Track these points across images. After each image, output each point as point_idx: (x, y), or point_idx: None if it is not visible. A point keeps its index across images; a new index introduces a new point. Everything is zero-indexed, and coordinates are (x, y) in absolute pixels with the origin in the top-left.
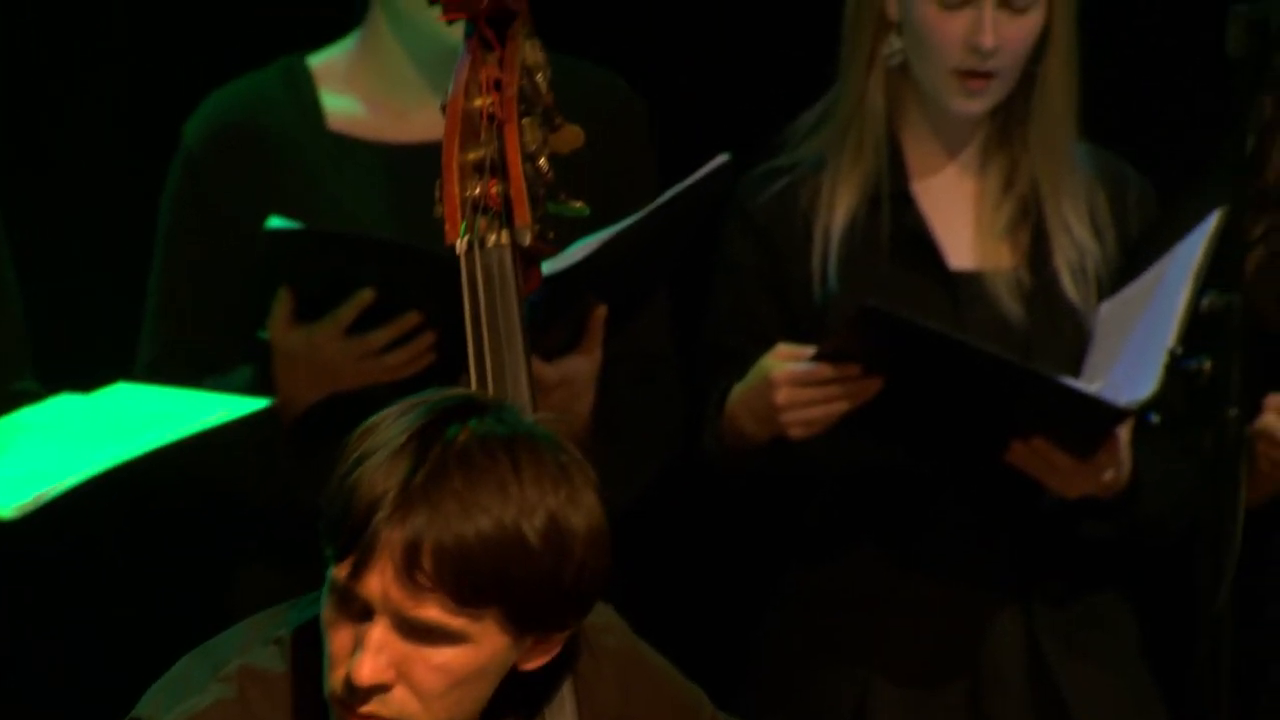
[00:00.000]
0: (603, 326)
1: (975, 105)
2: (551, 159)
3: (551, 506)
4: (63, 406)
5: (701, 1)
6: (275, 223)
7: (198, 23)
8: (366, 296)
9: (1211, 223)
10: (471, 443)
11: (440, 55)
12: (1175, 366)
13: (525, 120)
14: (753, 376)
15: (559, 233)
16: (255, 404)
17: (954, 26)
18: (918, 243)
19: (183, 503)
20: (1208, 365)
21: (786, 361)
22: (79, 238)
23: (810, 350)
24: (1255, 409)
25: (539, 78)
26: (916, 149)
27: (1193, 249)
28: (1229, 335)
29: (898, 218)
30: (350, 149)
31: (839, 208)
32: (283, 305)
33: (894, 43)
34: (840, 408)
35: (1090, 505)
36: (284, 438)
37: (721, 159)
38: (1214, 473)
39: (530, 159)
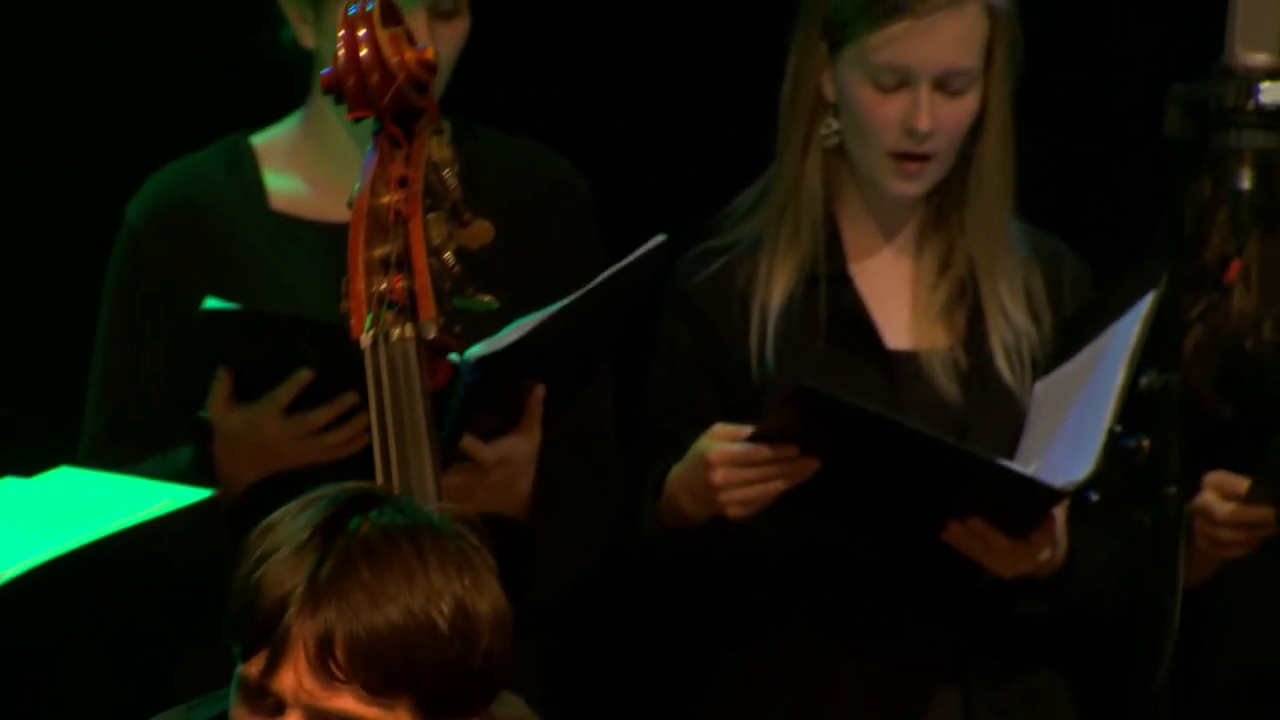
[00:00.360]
0: (541, 406)
1: (911, 187)
2: (460, 253)
3: (458, 592)
4: (4, 492)
5: (643, 82)
6: (212, 303)
7: (142, 102)
8: (305, 376)
9: (1147, 303)
10: (374, 534)
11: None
12: (1114, 445)
13: (431, 216)
14: (690, 457)
15: (467, 327)
16: (197, 494)
17: (890, 109)
18: (855, 323)
19: (123, 583)
20: (1146, 444)
21: (723, 442)
22: (22, 319)
23: (747, 430)
24: (1194, 488)
25: (446, 173)
26: (853, 230)
27: (1129, 329)
28: (1167, 414)
29: (835, 298)
30: (292, 228)
31: (776, 288)
32: (222, 385)
33: (831, 124)
34: (777, 487)
35: (1027, 584)
36: (224, 517)
37: (658, 239)
38: (1152, 552)
39: (436, 254)
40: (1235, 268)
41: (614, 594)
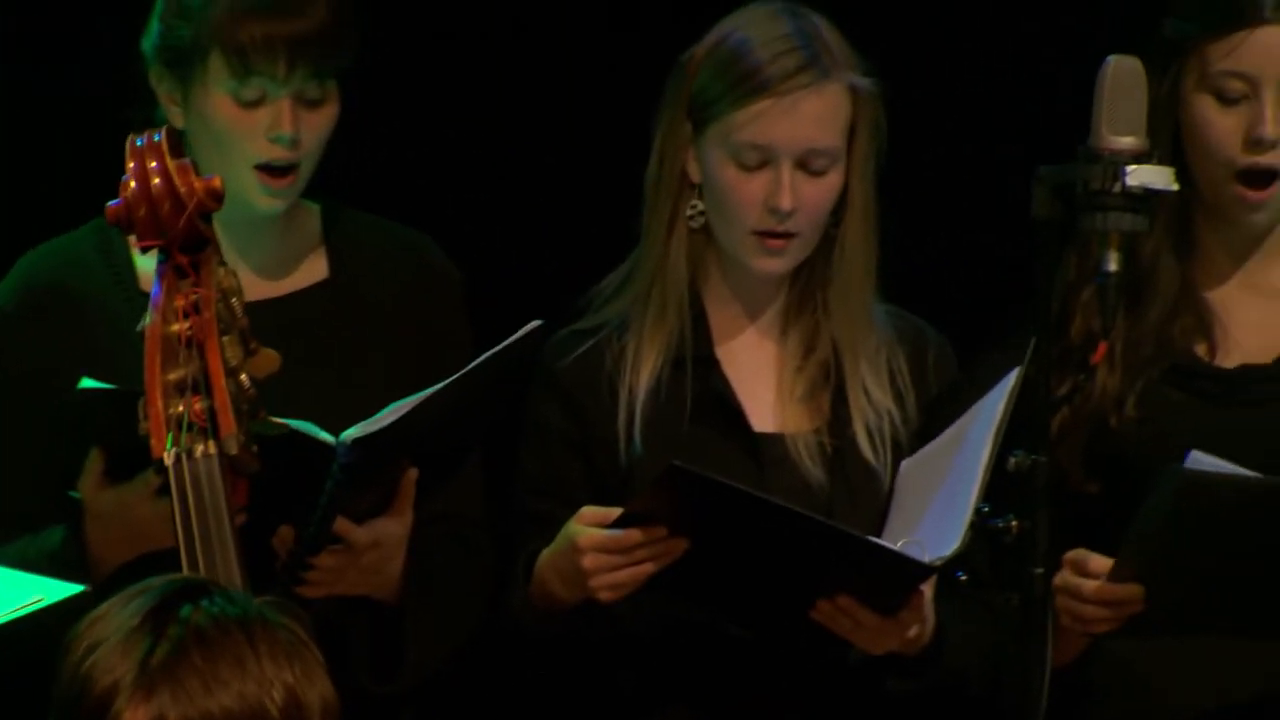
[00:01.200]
0: (414, 489)
1: (775, 265)
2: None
3: (289, 681)
4: None
5: (511, 166)
6: (86, 383)
7: (12, 184)
8: None
9: (1011, 381)
10: (206, 621)
11: (249, 218)
12: (982, 525)
13: (225, 338)
14: (560, 541)
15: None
16: (71, 589)
17: (753, 188)
18: (721, 406)
19: None
20: (1015, 524)
21: (592, 525)
22: None
23: (616, 512)
24: (1060, 566)
25: (234, 301)
26: (719, 311)
27: (993, 407)
28: (1035, 495)
29: (701, 380)
30: None
31: (643, 370)
32: (94, 465)
33: (696, 204)
34: (647, 569)
35: (896, 662)
36: (95, 597)
37: (533, 324)
38: (1021, 631)
39: (233, 375)
40: (1103, 349)
41: (485, 675)
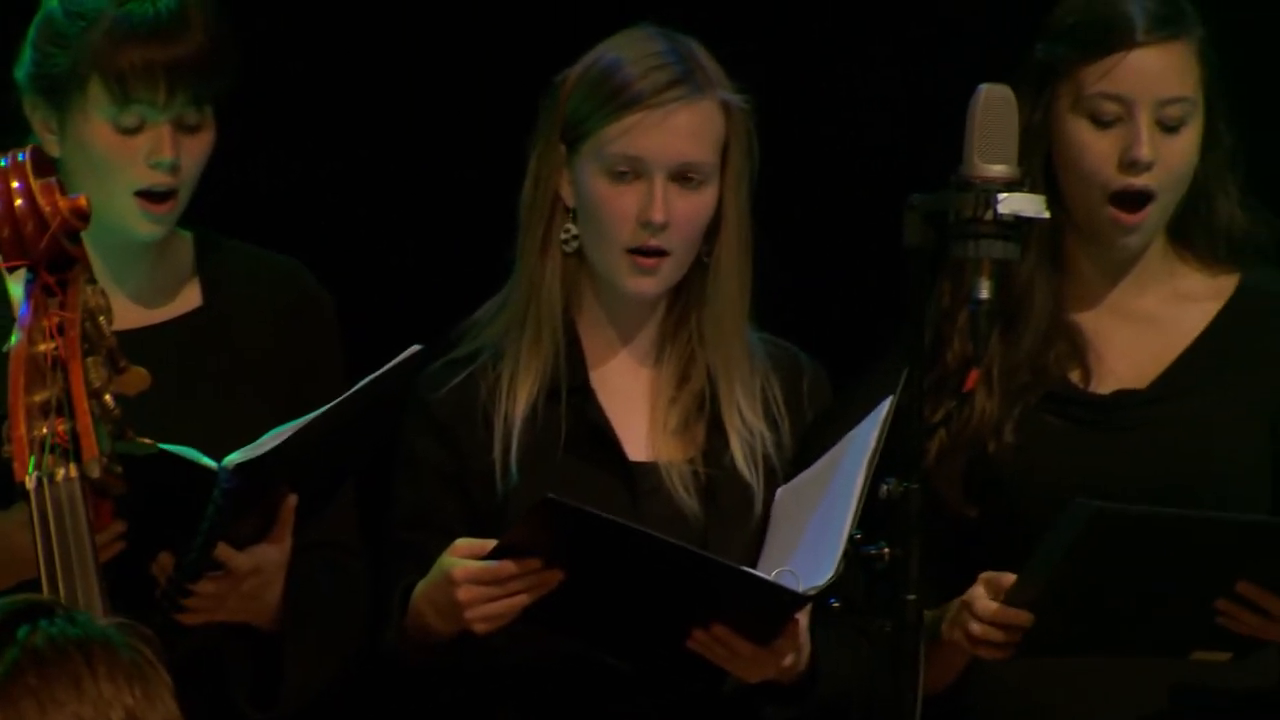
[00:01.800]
0: (293, 515)
1: (648, 285)
2: (118, 398)
3: (128, 704)
4: None
5: (383, 193)
6: None
7: None
8: None
9: (884, 409)
10: (43, 642)
11: (124, 246)
12: (855, 552)
13: (90, 360)
14: (435, 573)
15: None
16: None
17: (626, 202)
18: (596, 434)
19: None
20: (887, 552)
21: (467, 557)
22: None
23: (490, 544)
24: (936, 590)
25: (101, 320)
26: (593, 338)
27: (867, 435)
28: (908, 522)
29: (576, 409)
30: None
31: (518, 398)
32: None
33: (570, 228)
34: (522, 601)
35: (771, 690)
36: None
37: (413, 349)
38: (894, 657)
39: (96, 396)
40: (974, 376)
41: (363, 703)
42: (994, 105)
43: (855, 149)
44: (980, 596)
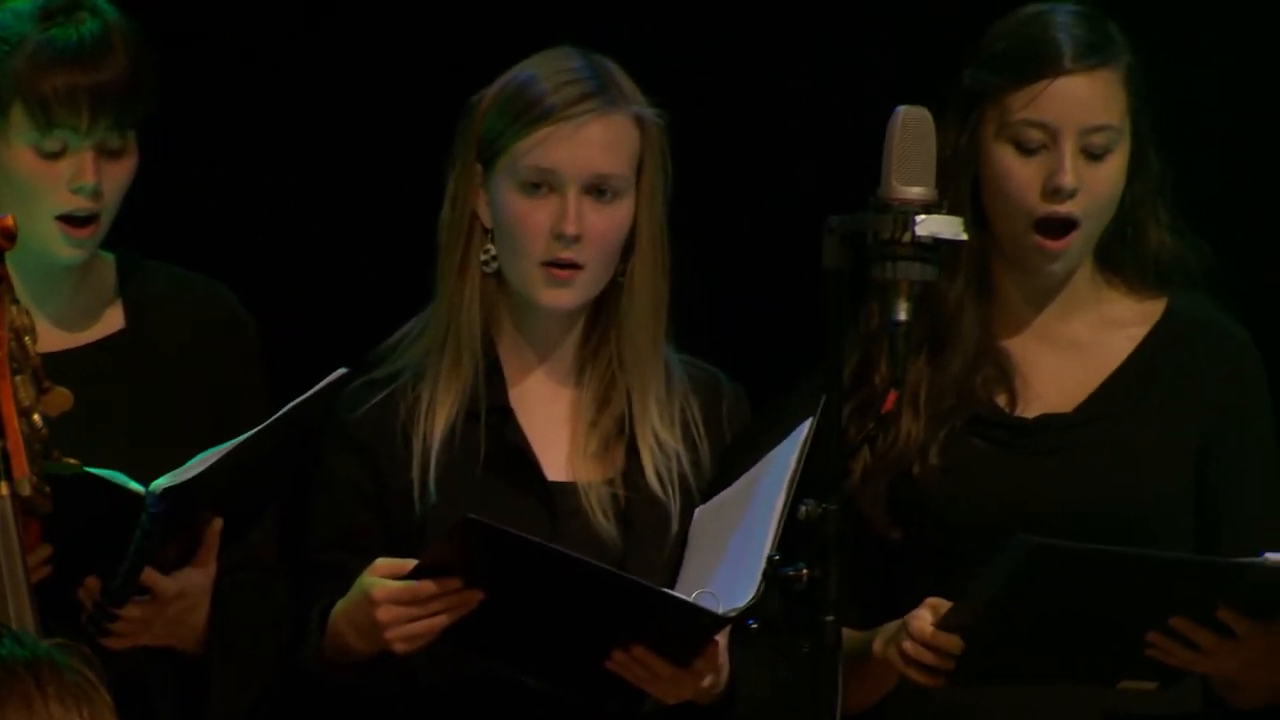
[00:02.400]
0: (218, 539)
1: (563, 297)
2: (46, 419)
3: None
4: None
5: (305, 215)
6: None
7: None
8: None
9: (805, 431)
10: None
11: (46, 269)
12: (774, 573)
13: (18, 379)
14: (354, 592)
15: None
16: None
17: (539, 216)
18: (515, 455)
19: None
20: (805, 573)
21: (387, 577)
22: None
23: (410, 564)
24: (859, 613)
25: (26, 340)
26: (514, 359)
27: (786, 457)
28: (826, 543)
29: (495, 430)
30: None
31: (437, 420)
32: None
33: (488, 249)
34: (442, 621)
35: (691, 711)
36: None
37: (339, 372)
38: (812, 679)
39: (25, 415)
40: (892, 398)
41: None
42: (912, 127)
43: (775, 169)
44: (920, 617)
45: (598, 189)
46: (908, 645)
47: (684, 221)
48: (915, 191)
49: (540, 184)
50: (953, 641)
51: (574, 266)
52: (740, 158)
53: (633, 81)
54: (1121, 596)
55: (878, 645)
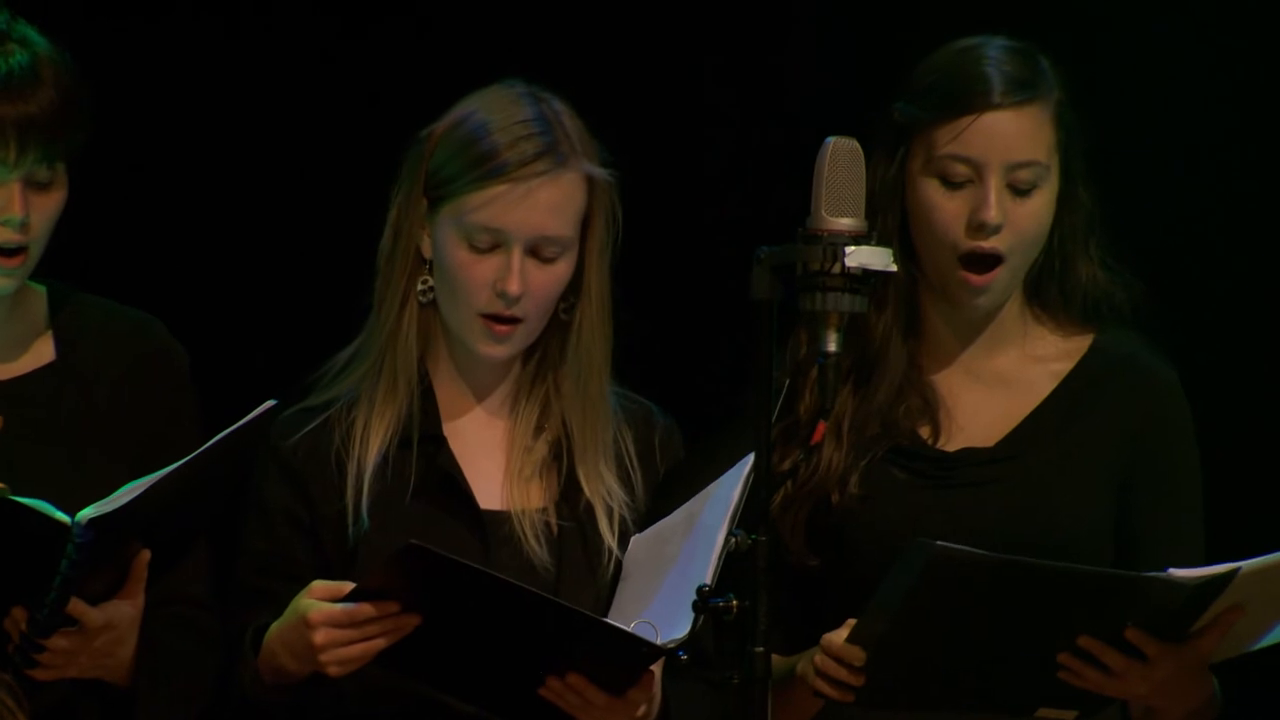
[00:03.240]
0: (146, 571)
1: (500, 350)
2: None
3: None
4: None
5: (237, 246)
6: None
7: None
8: None
9: (747, 464)
10: None
11: None
12: (703, 604)
13: None
14: (290, 614)
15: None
16: None
17: (482, 270)
18: (448, 483)
19: None
20: (734, 603)
21: (324, 600)
22: None
23: (348, 587)
24: (782, 640)
25: None
26: (447, 388)
27: (728, 491)
28: (755, 574)
29: (429, 458)
30: None
31: (371, 446)
32: None
33: (427, 279)
34: (378, 645)
35: None
36: None
37: (268, 404)
38: (740, 710)
39: None
40: (821, 428)
41: None
42: (841, 158)
43: (703, 200)
44: (834, 632)
45: (541, 249)
46: (818, 658)
47: (626, 254)
48: (844, 222)
49: (485, 241)
50: (855, 652)
51: (514, 321)
52: (668, 188)
53: (580, 124)
54: (1027, 611)
55: (799, 666)
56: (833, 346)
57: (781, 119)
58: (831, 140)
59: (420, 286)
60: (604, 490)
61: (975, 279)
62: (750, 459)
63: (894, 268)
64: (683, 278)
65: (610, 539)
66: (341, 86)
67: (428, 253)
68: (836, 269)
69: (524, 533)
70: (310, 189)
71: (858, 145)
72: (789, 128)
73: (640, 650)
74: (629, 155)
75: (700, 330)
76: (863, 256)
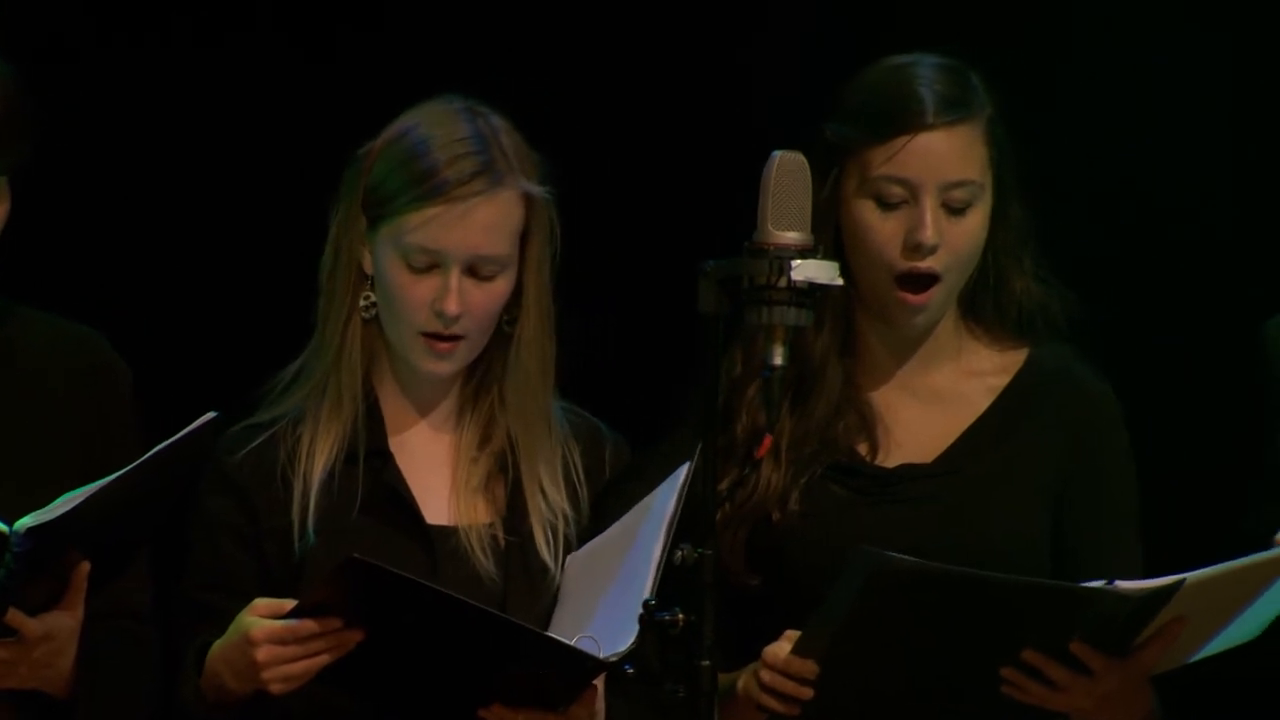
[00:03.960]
0: (85, 582)
1: (442, 367)
2: None
3: None
4: None
5: (180, 261)
6: None
7: None
8: None
9: (682, 476)
10: None
11: None
12: (649, 618)
13: None
14: (232, 632)
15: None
16: None
17: (421, 290)
18: (394, 498)
19: None
20: (680, 617)
21: (266, 617)
22: None
23: (290, 604)
24: (726, 658)
25: None
26: (393, 403)
27: (664, 503)
28: (701, 588)
29: (375, 473)
30: None
31: (317, 462)
32: None
33: (369, 295)
34: (322, 661)
35: None
36: None
37: (208, 416)
38: None
39: None
40: (767, 442)
41: None
42: (787, 172)
43: (651, 215)
44: (776, 646)
45: (479, 268)
46: (764, 674)
47: (559, 270)
48: (791, 236)
49: (423, 261)
50: (807, 665)
51: (455, 339)
52: (614, 202)
53: (518, 139)
54: (971, 624)
55: (741, 682)
56: (779, 360)
57: (735, 132)
58: (778, 154)
59: (363, 302)
60: (544, 504)
61: (912, 299)
62: (685, 469)
63: (840, 281)
64: (627, 291)
65: (545, 554)
66: (283, 101)
67: (369, 268)
68: (783, 283)
69: (471, 547)
70: (252, 203)
71: (804, 159)
72: (743, 140)
73: (584, 664)
74: (570, 165)
75: (647, 346)
76: (809, 270)
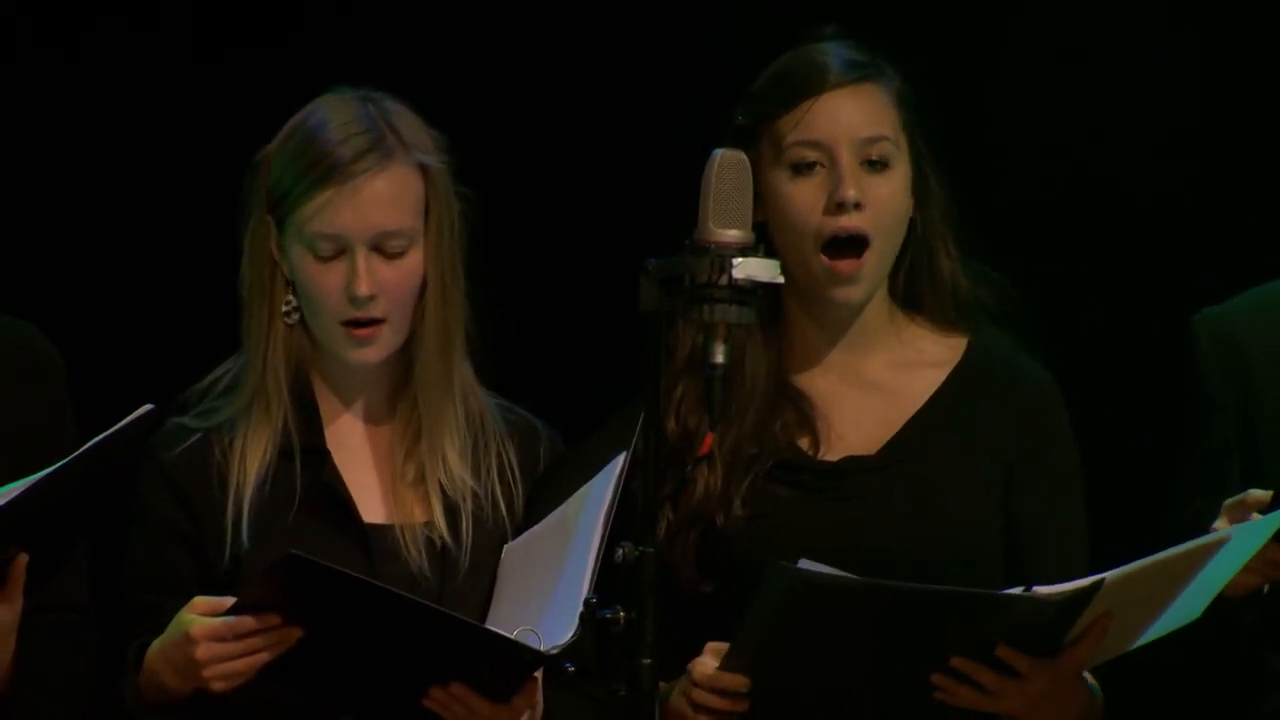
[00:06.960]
0: (24, 575)
1: (368, 354)
2: None
3: None
4: None
5: (115, 253)
6: None
7: None
8: None
9: (619, 465)
10: None
11: None
12: (590, 615)
13: None
14: (172, 630)
15: None
16: None
17: (332, 278)
18: (331, 497)
19: None
20: (622, 615)
21: (206, 615)
22: None
23: (229, 602)
24: (674, 668)
25: None
26: (328, 400)
27: (600, 493)
28: (643, 586)
29: (312, 472)
30: None
31: (251, 462)
32: None
33: (290, 299)
34: (261, 658)
35: None
36: None
37: (145, 408)
38: None
39: None
40: (709, 440)
41: None
42: (728, 170)
43: (592, 214)
44: (701, 663)
45: (385, 244)
46: (694, 692)
47: (500, 265)
48: (732, 234)
49: (329, 248)
50: (737, 680)
51: (375, 323)
52: (553, 200)
53: (414, 119)
54: (896, 633)
55: (672, 699)
56: (720, 358)
57: (674, 128)
58: (719, 152)
59: (285, 309)
60: (443, 475)
61: (843, 265)
62: (621, 459)
63: (781, 279)
64: (567, 290)
65: (486, 549)
66: (210, 91)
67: (287, 272)
68: (724, 281)
69: (407, 546)
70: (187, 192)
71: (745, 157)
72: (681, 137)
73: (523, 657)
74: (510, 163)
75: (585, 342)
76: (750, 268)
